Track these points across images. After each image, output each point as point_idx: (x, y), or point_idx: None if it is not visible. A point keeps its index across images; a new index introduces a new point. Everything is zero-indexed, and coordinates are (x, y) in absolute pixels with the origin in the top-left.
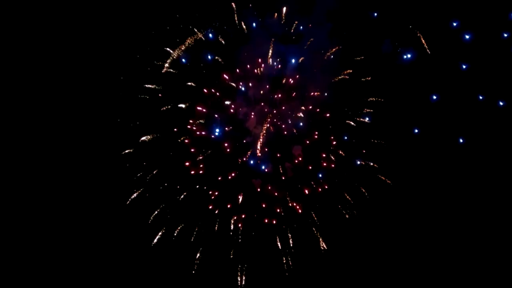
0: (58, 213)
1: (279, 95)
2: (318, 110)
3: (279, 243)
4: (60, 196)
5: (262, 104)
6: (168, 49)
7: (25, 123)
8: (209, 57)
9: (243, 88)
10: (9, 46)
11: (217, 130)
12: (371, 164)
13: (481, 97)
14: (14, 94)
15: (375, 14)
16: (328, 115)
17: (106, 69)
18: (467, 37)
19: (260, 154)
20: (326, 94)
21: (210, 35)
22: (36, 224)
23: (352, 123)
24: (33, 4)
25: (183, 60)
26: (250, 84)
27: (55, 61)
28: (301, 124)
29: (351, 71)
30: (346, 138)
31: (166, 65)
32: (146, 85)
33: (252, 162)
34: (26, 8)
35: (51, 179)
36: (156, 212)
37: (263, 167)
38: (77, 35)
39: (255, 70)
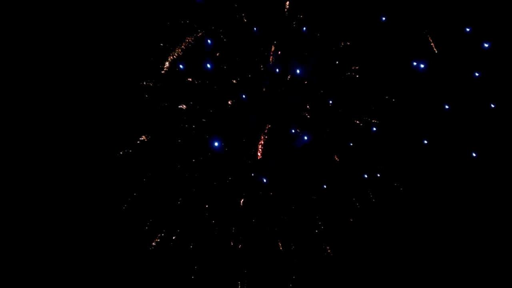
0: (52, 216)
1: (283, 92)
2: (325, 108)
3: (281, 248)
4: (54, 198)
5: (264, 102)
6: (166, 46)
7: (18, 121)
8: (208, 65)
9: (244, 86)
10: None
11: (216, 143)
12: (378, 175)
13: (493, 105)
14: (10, 91)
15: (383, 18)
16: (334, 115)
17: (101, 68)
18: (486, 45)
19: (261, 156)
20: (331, 92)
21: (209, 41)
22: (27, 229)
23: (359, 123)
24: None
25: (181, 66)
26: (252, 81)
27: (50, 59)
28: (306, 123)
29: (357, 67)
30: (351, 144)
31: (167, 64)
32: (143, 84)
33: (253, 174)
34: (24, 6)
35: (43, 181)
36: (154, 216)
37: (264, 180)
38: (72, 33)
39: (258, 67)
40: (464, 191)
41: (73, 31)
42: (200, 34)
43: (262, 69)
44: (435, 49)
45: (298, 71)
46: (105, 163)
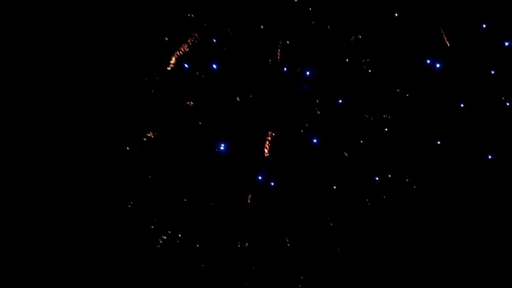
0: (55, 214)
1: (291, 89)
2: (334, 105)
3: (288, 245)
4: (58, 197)
5: (272, 99)
6: (171, 42)
7: (22, 119)
8: (214, 66)
9: (251, 84)
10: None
11: (222, 145)
12: (389, 175)
13: (508, 104)
14: (13, 91)
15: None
16: (343, 113)
17: (105, 64)
18: (506, 44)
19: (268, 154)
20: (342, 88)
21: (214, 40)
22: (31, 229)
23: (369, 116)
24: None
25: (185, 65)
26: (260, 79)
27: (55, 54)
28: (315, 121)
29: (368, 59)
30: (362, 141)
31: (172, 60)
32: (148, 80)
33: (260, 178)
34: (26, 8)
35: (47, 179)
36: (159, 214)
37: (272, 184)
38: (76, 29)
39: (264, 63)
40: (479, 194)
41: (76, 26)
42: (205, 27)
43: (270, 63)
44: (447, 42)
45: (308, 72)
46: (110, 160)
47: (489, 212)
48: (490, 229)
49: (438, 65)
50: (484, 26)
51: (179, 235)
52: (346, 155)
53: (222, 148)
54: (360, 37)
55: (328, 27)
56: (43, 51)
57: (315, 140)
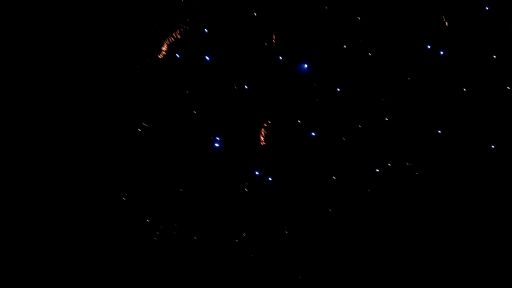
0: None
1: (286, 82)
2: (331, 97)
3: (287, 232)
4: (50, 194)
5: (267, 93)
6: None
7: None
8: (207, 58)
9: (245, 78)
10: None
11: (217, 139)
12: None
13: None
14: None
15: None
16: (341, 105)
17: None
18: None
19: (264, 143)
20: (339, 80)
21: (206, 29)
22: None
23: (370, 112)
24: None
25: (177, 55)
26: (253, 73)
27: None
28: (312, 113)
29: (367, 46)
30: (360, 126)
31: (164, 48)
32: (139, 70)
33: (257, 173)
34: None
35: (38, 174)
36: (153, 207)
37: (270, 179)
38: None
39: (259, 57)
40: (482, 185)
41: (64, 15)
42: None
43: (265, 45)
44: (446, 23)
45: (306, 65)
46: (102, 152)
47: (492, 204)
48: (494, 222)
49: (440, 52)
50: (487, 8)
51: (175, 225)
52: (345, 139)
53: (217, 139)
54: (359, 18)
55: (326, 7)
56: (32, 41)
57: (313, 133)
